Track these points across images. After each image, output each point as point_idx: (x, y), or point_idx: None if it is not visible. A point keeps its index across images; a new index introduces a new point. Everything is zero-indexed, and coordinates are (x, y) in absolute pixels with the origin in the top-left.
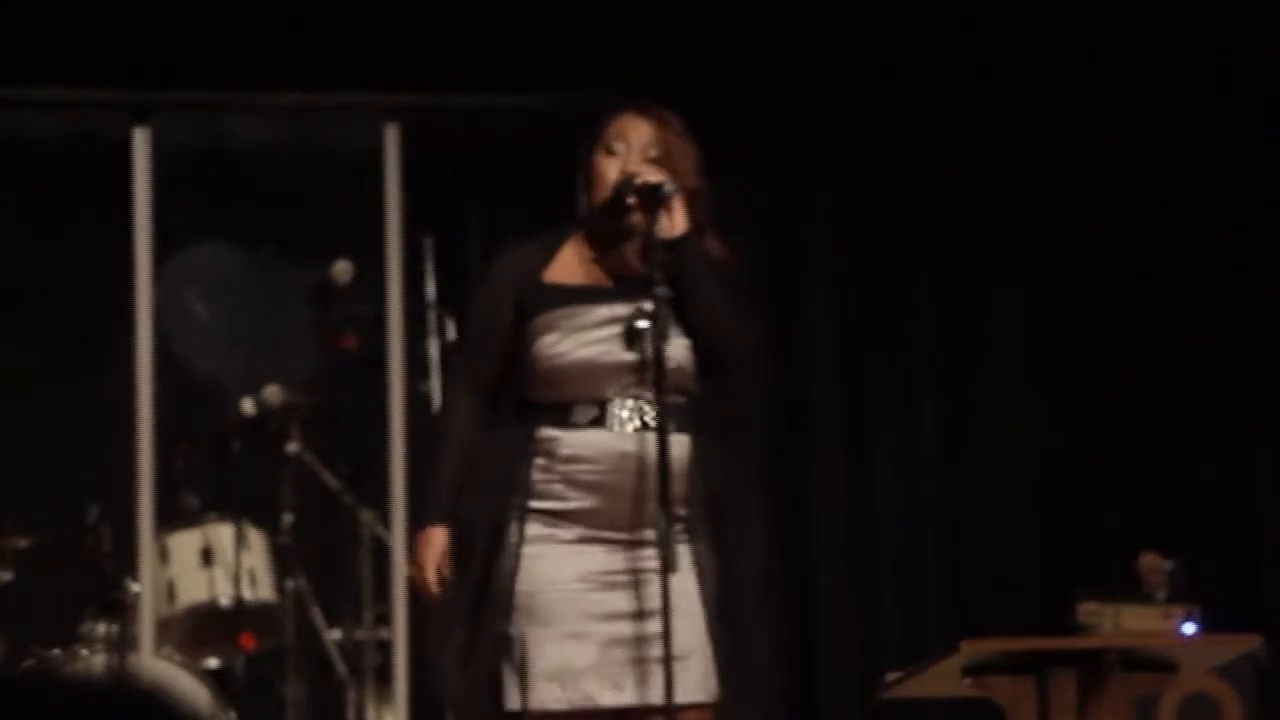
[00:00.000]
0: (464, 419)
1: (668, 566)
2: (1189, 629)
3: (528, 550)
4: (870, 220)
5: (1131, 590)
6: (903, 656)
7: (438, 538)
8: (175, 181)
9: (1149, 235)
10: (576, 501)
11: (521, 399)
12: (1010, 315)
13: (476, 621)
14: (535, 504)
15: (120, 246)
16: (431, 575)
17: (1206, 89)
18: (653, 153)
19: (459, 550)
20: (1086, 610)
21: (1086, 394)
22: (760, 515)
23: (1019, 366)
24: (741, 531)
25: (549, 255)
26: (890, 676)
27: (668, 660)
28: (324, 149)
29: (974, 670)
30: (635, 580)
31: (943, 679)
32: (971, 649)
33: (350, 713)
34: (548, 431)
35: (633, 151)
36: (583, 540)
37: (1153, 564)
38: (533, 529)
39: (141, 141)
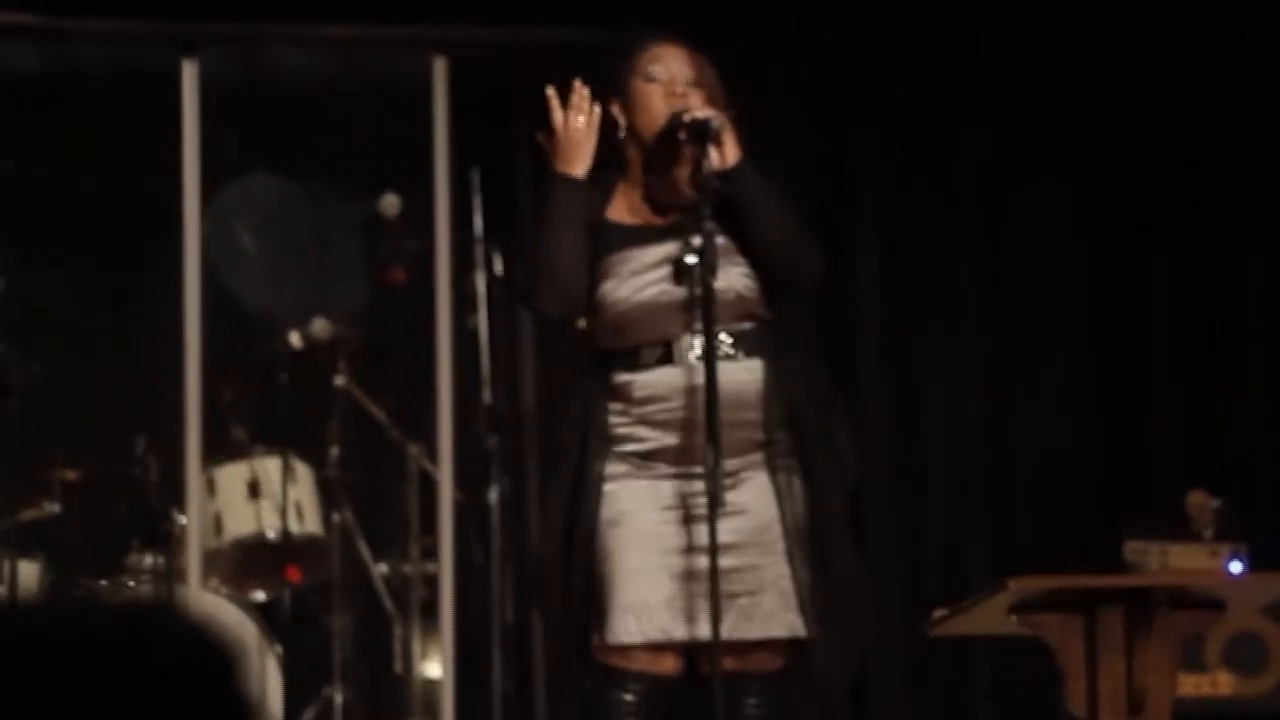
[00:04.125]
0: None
1: (715, 503)
2: (1236, 567)
3: (607, 487)
4: (916, 156)
5: (1179, 529)
6: (949, 594)
7: None
8: (222, 114)
9: (1205, 172)
10: (655, 441)
11: (596, 349)
12: (1060, 249)
13: (566, 563)
14: (616, 448)
15: (168, 179)
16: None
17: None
18: (690, 75)
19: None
20: (1133, 549)
21: (1134, 331)
22: (848, 432)
23: (1068, 304)
24: (829, 452)
25: (607, 194)
26: (937, 614)
27: (714, 596)
28: (372, 82)
29: (1021, 608)
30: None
31: (990, 617)
32: (1019, 587)
33: (396, 646)
34: (620, 376)
35: (674, 78)
36: (661, 476)
37: (1200, 502)
38: (615, 467)
39: (189, 74)
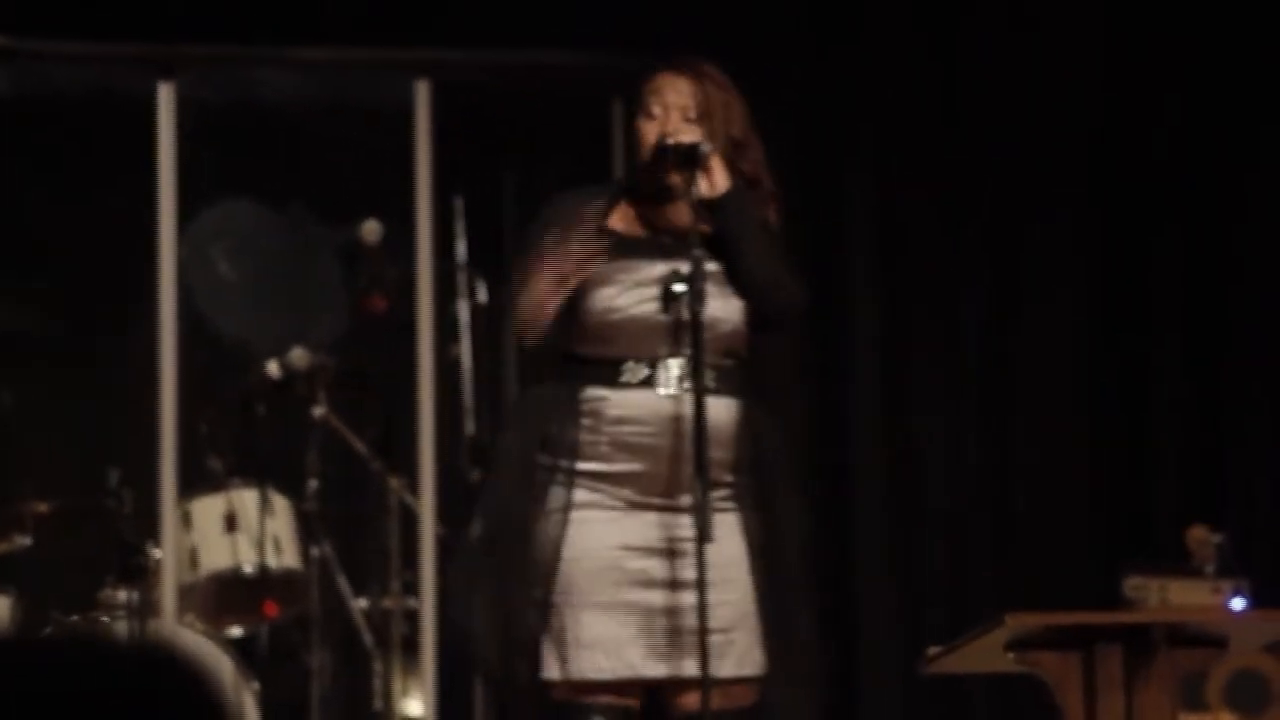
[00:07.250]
0: None
1: (704, 536)
2: (1238, 604)
3: (573, 516)
4: (912, 177)
5: (1180, 564)
6: (946, 631)
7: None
8: (201, 138)
9: (1206, 205)
10: (623, 464)
11: (568, 353)
12: (1060, 284)
13: (513, 587)
14: (581, 465)
15: (144, 204)
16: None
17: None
18: (691, 111)
19: (491, 508)
20: (1133, 584)
21: (1135, 366)
22: (799, 484)
23: (1068, 339)
24: (788, 500)
25: (611, 203)
26: (932, 651)
27: (703, 632)
28: (353, 105)
29: (1018, 645)
30: (679, 549)
31: (986, 654)
32: (1016, 623)
33: (376, 682)
34: (595, 391)
35: (670, 111)
36: (628, 507)
37: (1201, 537)
38: (579, 495)
39: (166, 97)
